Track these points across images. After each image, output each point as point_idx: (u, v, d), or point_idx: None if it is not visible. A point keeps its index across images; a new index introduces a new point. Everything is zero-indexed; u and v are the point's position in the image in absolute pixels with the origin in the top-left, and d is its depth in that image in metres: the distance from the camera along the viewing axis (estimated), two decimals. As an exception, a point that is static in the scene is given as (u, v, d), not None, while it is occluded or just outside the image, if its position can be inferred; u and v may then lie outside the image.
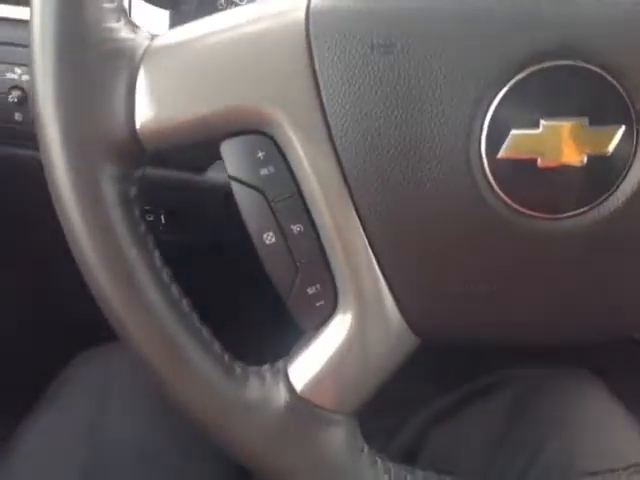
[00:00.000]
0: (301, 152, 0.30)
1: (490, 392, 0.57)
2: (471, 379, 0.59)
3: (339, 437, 0.33)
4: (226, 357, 0.33)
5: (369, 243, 0.31)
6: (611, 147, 0.29)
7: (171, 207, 0.60)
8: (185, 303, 0.32)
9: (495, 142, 0.29)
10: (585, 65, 0.28)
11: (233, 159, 0.31)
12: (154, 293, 0.31)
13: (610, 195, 0.29)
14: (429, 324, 0.33)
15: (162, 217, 0.60)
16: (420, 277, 0.31)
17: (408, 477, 0.33)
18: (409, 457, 0.58)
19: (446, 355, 0.52)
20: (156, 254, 0.32)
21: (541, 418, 0.52)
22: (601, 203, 0.29)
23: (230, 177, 0.31)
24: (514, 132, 0.28)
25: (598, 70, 0.28)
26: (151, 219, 0.58)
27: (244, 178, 0.31)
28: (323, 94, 0.29)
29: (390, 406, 0.59)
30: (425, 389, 0.60)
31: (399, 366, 0.34)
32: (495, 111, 0.29)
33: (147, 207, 0.33)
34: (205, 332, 0.33)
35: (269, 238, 0.31)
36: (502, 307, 0.32)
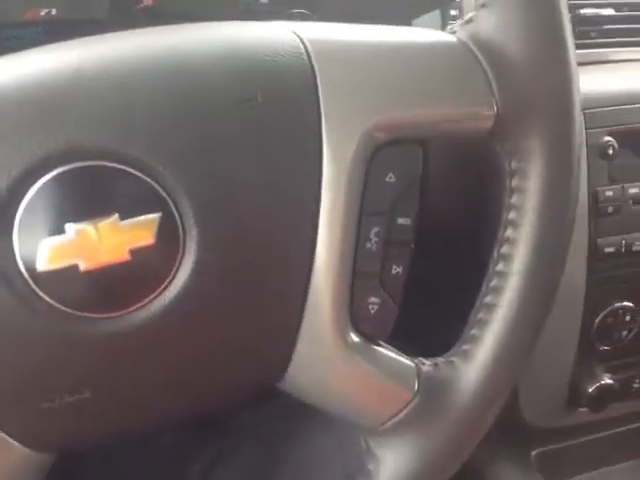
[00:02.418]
0: None
1: (239, 447, 0.57)
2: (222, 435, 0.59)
3: None
4: None
5: None
6: (153, 236, 0.28)
7: None
8: None
9: (29, 255, 0.27)
10: (102, 164, 0.28)
11: None
12: None
13: (169, 283, 0.29)
14: (47, 440, 0.31)
15: None
16: (10, 399, 0.30)
17: None
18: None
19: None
20: None
21: (275, 460, 0.53)
22: (162, 292, 0.29)
23: None
24: (45, 241, 0.27)
25: (119, 166, 0.28)
26: None
27: None
28: None
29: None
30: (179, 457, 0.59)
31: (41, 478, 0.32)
32: (20, 224, 0.27)
33: None
34: None
35: None
36: (105, 409, 0.30)
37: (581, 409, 0.65)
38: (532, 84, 0.31)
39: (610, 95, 0.55)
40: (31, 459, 0.31)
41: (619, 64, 0.59)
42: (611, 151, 0.54)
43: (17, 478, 0.31)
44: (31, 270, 0.27)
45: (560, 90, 0.32)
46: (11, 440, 0.30)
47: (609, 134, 0.54)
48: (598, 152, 0.54)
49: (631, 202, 0.57)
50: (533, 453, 0.73)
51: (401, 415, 0.34)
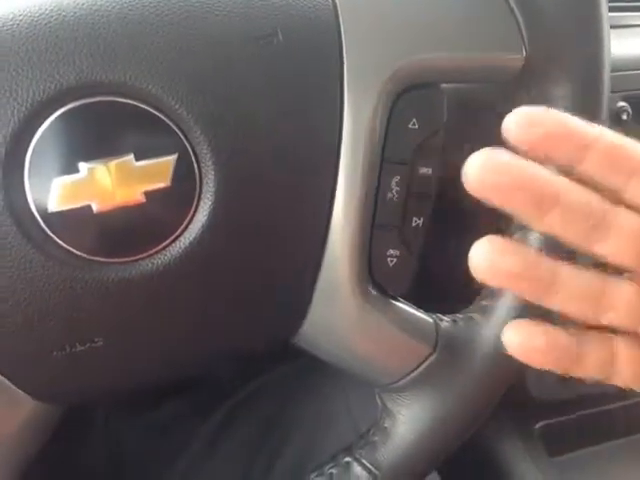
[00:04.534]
0: None
1: (247, 410, 0.56)
2: (234, 390, 0.58)
3: None
4: None
5: None
6: (168, 179, 0.27)
7: None
8: None
9: (41, 195, 0.26)
10: (116, 99, 0.26)
11: None
12: None
13: (187, 225, 0.28)
14: (56, 391, 0.30)
15: None
16: (19, 347, 0.29)
17: None
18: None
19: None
20: None
21: (285, 421, 0.53)
22: (177, 237, 0.28)
23: None
24: (57, 180, 0.26)
25: (133, 102, 0.26)
26: None
27: None
28: None
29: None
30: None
31: (49, 433, 0.32)
32: (31, 162, 0.26)
33: None
34: None
35: None
36: (118, 359, 0.30)
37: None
38: (564, 29, 0.30)
39: (624, 60, 0.54)
40: (39, 411, 0.30)
41: (633, 29, 0.58)
42: (625, 117, 0.53)
43: (24, 431, 0.31)
44: (43, 211, 0.26)
45: (591, 38, 0.31)
46: (19, 391, 0.29)
47: (623, 99, 0.53)
48: (612, 117, 0.53)
49: (644, 170, 0.56)
50: (537, 426, 0.72)
51: (419, 371, 0.33)
